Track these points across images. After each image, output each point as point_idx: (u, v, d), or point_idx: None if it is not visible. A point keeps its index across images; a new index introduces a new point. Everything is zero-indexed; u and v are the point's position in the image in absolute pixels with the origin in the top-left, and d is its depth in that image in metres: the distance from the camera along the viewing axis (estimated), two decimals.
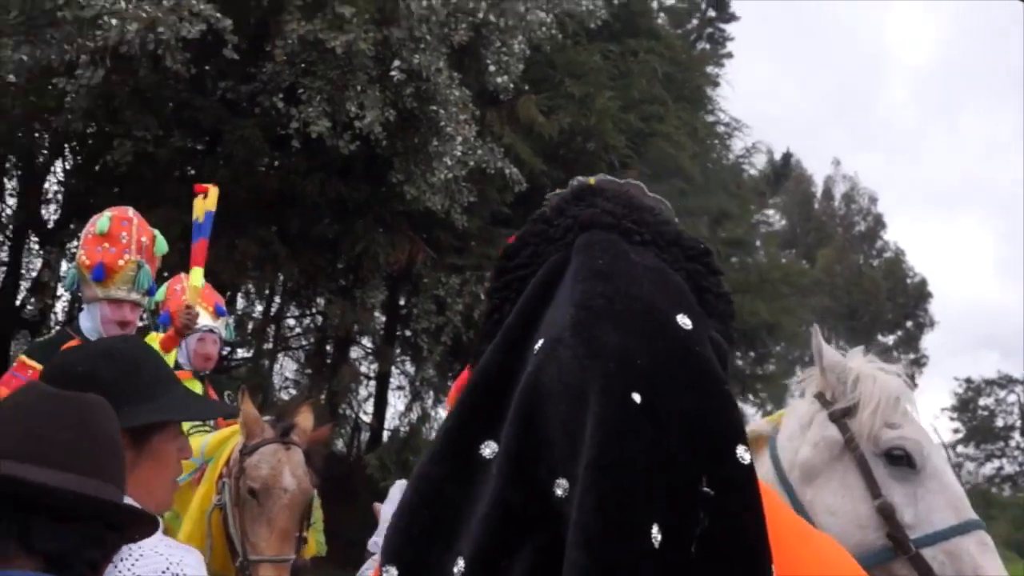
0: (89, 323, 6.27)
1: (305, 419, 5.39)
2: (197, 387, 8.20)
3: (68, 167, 18.10)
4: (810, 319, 22.00)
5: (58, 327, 8.83)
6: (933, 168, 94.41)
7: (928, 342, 63.02)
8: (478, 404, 1.42)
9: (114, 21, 12.06)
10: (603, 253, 1.44)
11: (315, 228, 15.74)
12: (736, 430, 1.33)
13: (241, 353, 19.24)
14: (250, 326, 18.23)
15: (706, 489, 1.27)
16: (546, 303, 1.44)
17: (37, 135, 15.05)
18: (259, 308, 20.01)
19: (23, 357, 6.22)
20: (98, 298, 6.18)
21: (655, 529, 1.23)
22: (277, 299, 20.83)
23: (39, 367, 6.00)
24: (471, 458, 1.38)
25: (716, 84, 26.98)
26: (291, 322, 21.66)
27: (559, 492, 1.28)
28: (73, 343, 6.12)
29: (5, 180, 18.51)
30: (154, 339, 7.92)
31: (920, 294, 49.19)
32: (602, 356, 1.31)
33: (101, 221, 6.27)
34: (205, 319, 8.07)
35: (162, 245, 6.64)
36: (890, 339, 50.38)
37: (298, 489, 5.10)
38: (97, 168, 14.63)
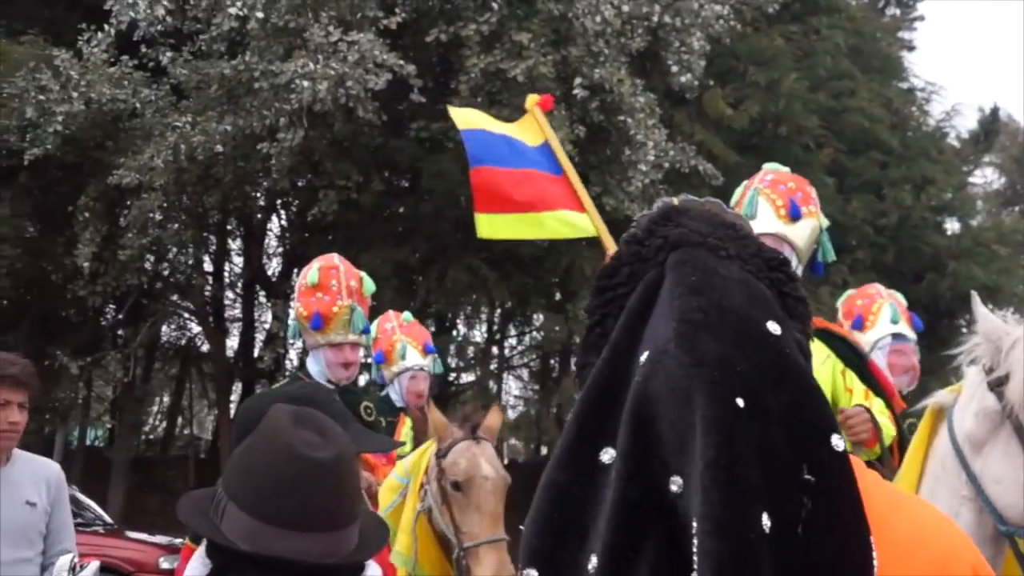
0: (316, 367, 6.72)
1: (492, 419, 5.69)
2: (407, 423, 8.52)
3: (283, 223, 19.02)
4: None
5: (288, 373, 9.37)
6: None
7: None
8: (594, 413, 1.56)
9: (306, 83, 12.70)
10: (695, 270, 1.58)
11: (521, 248, 16.09)
12: (828, 421, 1.48)
13: (465, 378, 19.76)
14: (471, 350, 18.71)
15: (807, 476, 1.42)
16: (645, 318, 1.57)
17: (249, 198, 15.87)
18: (478, 333, 20.51)
19: None
20: (319, 344, 6.61)
21: (765, 516, 1.37)
22: (496, 322, 21.29)
23: None
24: (592, 464, 1.52)
25: (911, 48, 26.29)
26: (511, 342, 22.10)
27: (674, 488, 1.42)
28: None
29: (230, 241, 19.58)
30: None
31: None
32: (705, 364, 1.44)
33: (311, 273, 6.71)
34: (415, 357, 8.37)
35: (369, 286, 7.01)
36: None
37: (497, 475, 5.29)
38: (308, 220, 15.33)
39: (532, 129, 6.50)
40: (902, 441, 4.96)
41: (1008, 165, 44.62)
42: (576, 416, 1.56)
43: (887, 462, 4.96)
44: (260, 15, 13.50)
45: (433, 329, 18.45)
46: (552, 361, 20.50)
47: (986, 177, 41.64)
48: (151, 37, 14.45)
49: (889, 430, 4.91)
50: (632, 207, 14.68)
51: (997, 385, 3.38)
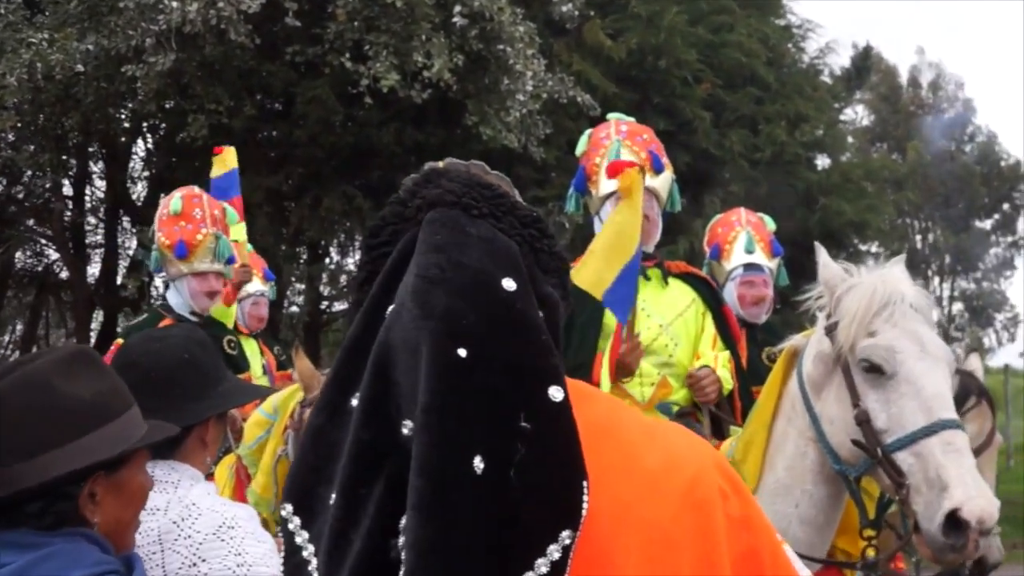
0: (178, 299, 6.61)
1: None
2: (253, 345, 8.52)
3: (149, 147, 18.39)
4: (895, 214, 21.70)
5: (147, 308, 9.14)
6: (1018, 48, 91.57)
7: None
8: (348, 361, 1.69)
9: (175, 3, 12.21)
10: (441, 228, 1.69)
11: (395, 177, 15.84)
12: (549, 372, 1.59)
13: (338, 306, 19.51)
14: (343, 279, 18.44)
15: (524, 424, 1.52)
16: (401, 275, 1.67)
17: (112, 120, 15.25)
18: (351, 261, 20.19)
19: (120, 340, 6.52)
20: (183, 274, 6.49)
21: (478, 459, 1.48)
22: None
23: None
24: (344, 409, 1.64)
25: None
26: None
27: (405, 431, 1.54)
28: (167, 322, 6.42)
29: (92, 164, 18.86)
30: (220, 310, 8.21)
31: (1015, 176, 47.89)
32: (433, 317, 1.56)
33: (173, 202, 6.60)
34: (256, 284, 8.51)
35: (232, 215, 6.91)
36: (987, 224, 49.30)
37: None
38: (177, 144, 14.82)
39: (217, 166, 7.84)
40: (742, 388, 5.15)
41: (878, 103, 45.67)
42: (335, 365, 1.73)
43: (725, 410, 5.16)
44: None
45: (306, 257, 18.19)
46: None
47: (856, 114, 42.57)
48: None
49: (728, 383, 5.09)
50: (510, 137, 14.56)
51: (830, 330, 3.56)
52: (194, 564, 2.73)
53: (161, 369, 2.98)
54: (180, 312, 6.57)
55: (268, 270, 8.90)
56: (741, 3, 20.17)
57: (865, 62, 28.25)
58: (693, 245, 16.05)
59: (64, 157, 16.80)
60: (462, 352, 1.53)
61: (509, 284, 1.63)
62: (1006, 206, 48.83)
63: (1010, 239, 49.96)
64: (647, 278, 5.11)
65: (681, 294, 5.23)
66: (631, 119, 5.49)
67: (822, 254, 3.74)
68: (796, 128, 19.58)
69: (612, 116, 5.54)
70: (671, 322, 5.10)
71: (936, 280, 49.66)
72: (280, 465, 5.50)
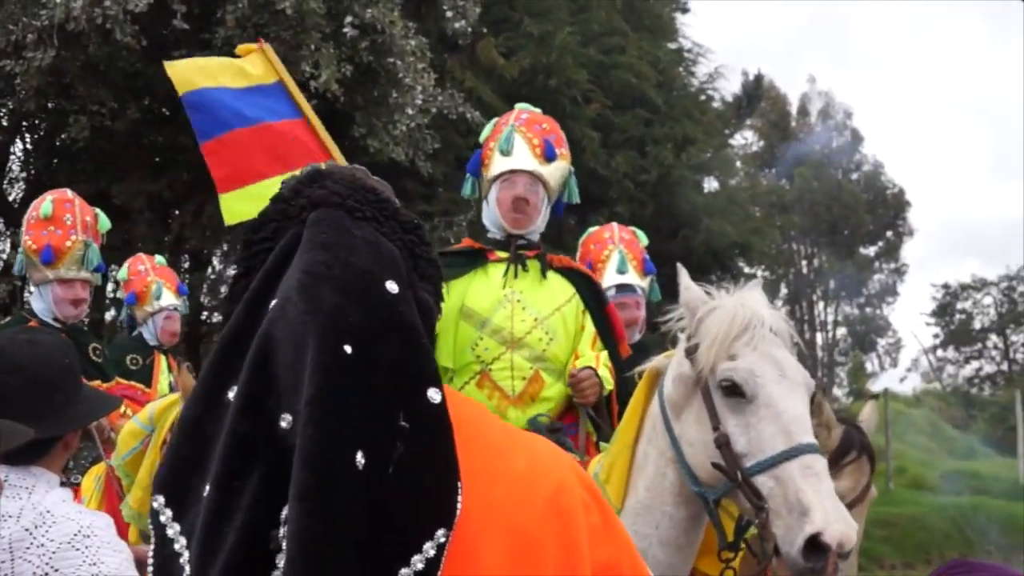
0: (41, 304, 6.49)
1: None
2: (163, 362, 8.41)
3: (28, 147, 17.95)
4: (780, 238, 22.12)
5: (14, 312, 8.93)
6: (906, 80, 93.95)
7: (908, 251, 63.37)
8: (226, 354, 1.69)
9: None
10: (328, 228, 1.72)
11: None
12: (427, 375, 1.64)
13: (218, 317, 19.25)
14: (222, 289, 18.18)
15: (403, 423, 1.57)
16: (283, 271, 1.70)
17: None
18: (232, 270, 19.93)
19: None
20: (48, 280, 6.36)
21: (360, 455, 1.51)
22: None
23: None
24: (219, 401, 1.65)
25: (685, 11, 26.85)
26: None
27: (283, 424, 1.54)
28: (31, 325, 6.29)
29: None
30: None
31: (899, 204, 49.21)
32: (321, 312, 1.58)
33: (44, 205, 6.46)
34: (169, 298, 8.39)
35: (104, 222, 6.81)
36: (871, 250, 50.51)
37: None
38: (56, 145, 14.51)
39: (262, 66, 5.98)
40: (619, 392, 5.14)
41: (767, 130, 46.52)
42: (211, 357, 1.73)
43: (603, 412, 5.09)
44: None
45: (187, 265, 17.92)
46: None
47: (746, 139, 43.29)
48: None
49: (608, 383, 5.02)
50: (396, 150, 14.53)
51: (691, 353, 3.56)
52: (47, 574, 2.68)
53: (45, 373, 2.95)
54: (43, 317, 6.46)
55: (182, 284, 8.74)
56: (633, 26, 20.45)
57: (756, 90, 28.79)
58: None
59: None
60: (348, 349, 1.56)
61: (392, 287, 1.68)
62: (890, 233, 50.12)
63: (893, 266, 51.30)
64: (525, 268, 5.07)
65: (560, 289, 5.14)
66: (537, 110, 5.45)
67: (683, 276, 3.76)
68: (683, 151, 19.89)
69: (519, 106, 5.49)
70: (548, 316, 5.02)
71: (821, 305, 50.77)
72: None
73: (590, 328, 5.15)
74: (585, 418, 5.00)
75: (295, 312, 1.59)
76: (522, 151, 5.06)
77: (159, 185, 15.40)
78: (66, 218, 6.44)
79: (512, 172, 5.03)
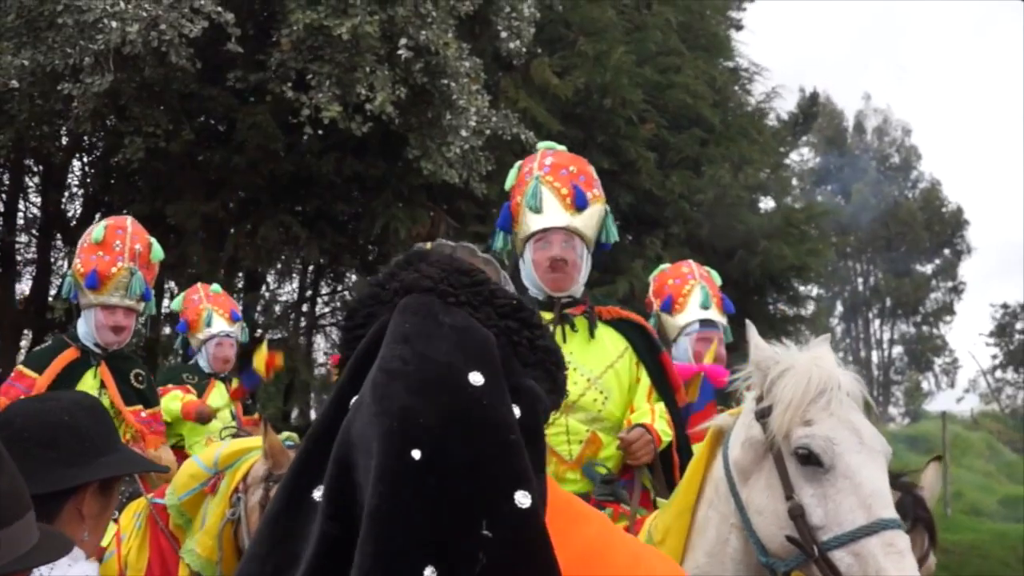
0: (85, 328, 6.45)
1: None
2: (221, 389, 8.40)
3: (85, 167, 18.10)
4: (835, 258, 21.83)
5: (53, 335, 8.90)
6: (965, 97, 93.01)
7: (966, 269, 62.50)
8: (312, 452, 1.62)
9: (114, 24, 12.00)
10: (412, 316, 1.63)
11: (334, 207, 15.72)
12: (515, 476, 1.49)
13: (272, 336, 19.30)
14: (276, 309, 18.27)
15: (485, 532, 1.43)
16: (370, 363, 1.60)
17: (47, 138, 14.98)
18: (287, 289, 20.01)
19: (20, 367, 6.41)
20: (91, 304, 6.32)
21: (429, 570, 1.40)
22: (309, 279, 20.85)
23: (36, 376, 6.15)
24: (303, 498, 1.59)
25: (739, 28, 26.67)
26: (322, 302, 21.67)
27: (361, 531, 1.44)
28: (69, 351, 6.26)
29: (27, 179, 18.54)
30: (175, 398, 8.09)
31: (957, 222, 48.61)
32: (387, 414, 1.48)
33: (96, 230, 6.46)
34: (221, 324, 8.40)
35: (158, 252, 6.78)
36: (928, 268, 49.94)
37: None
38: (113, 165, 14.60)
39: None
40: (679, 441, 4.96)
41: (824, 147, 46.15)
42: (299, 451, 1.66)
43: (658, 469, 4.87)
44: None
45: (242, 285, 17.96)
46: None
47: (802, 156, 42.97)
48: None
49: (667, 436, 4.84)
50: (451, 172, 14.48)
51: (762, 416, 3.40)
52: None
53: (37, 430, 2.80)
54: (84, 342, 6.42)
55: (235, 311, 8.69)
56: (689, 45, 20.28)
57: (811, 108, 28.51)
58: (633, 286, 16.06)
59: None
60: (416, 454, 1.45)
61: (476, 378, 1.55)
62: (947, 251, 49.53)
63: (951, 284, 50.66)
64: (573, 328, 4.86)
65: (612, 343, 4.95)
66: (561, 148, 5.20)
67: (752, 333, 3.55)
68: (740, 171, 19.66)
69: (542, 146, 5.26)
70: (600, 375, 4.84)
71: (877, 323, 50.24)
72: (226, 531, 5.31)
73: (645, 380, 4.97)
74: (642, 471, 4.84)
75: (366, 413, 1.51)
76: (552, 206, 4.83)
77: (213, 205, 15.47)
78: (116, 244, 6.41)
79: (545, 231, 4.82)
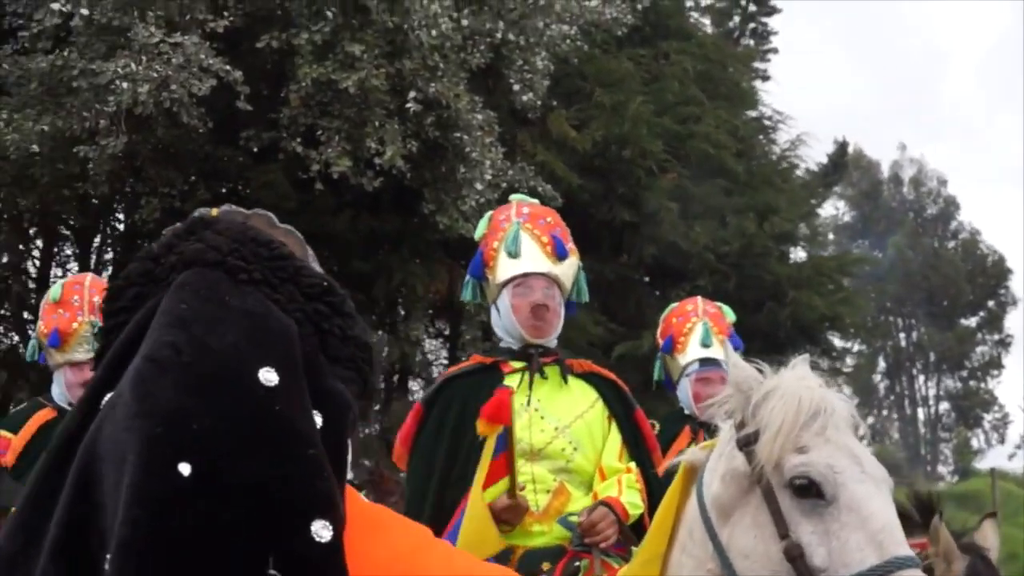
0: (58, 389, 6.35)
1: None
2: None
3: (107, 230, 18.27)
4: (872, 310, 21.54)
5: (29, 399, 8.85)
6: (1002, 147, 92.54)
7: (1013, 321, 61.55)
8: (52, 470, 1.29)
9: (125, 85, 12.14)
10: (192, 295, 1.33)
11: (350, 265, 15.71)
12: (314, 501, 1.19)
13: None
14: None
15: (272, 572, 1.14)
16: (132, 355, 1.31)
17: (66, 201, 15.17)
18: None
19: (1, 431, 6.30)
20: (59, 364, 6.23)
21: None
22: None
23: (11, 436, 6.09)
24: (42, 532, 1.23)
25: (765, 78, 26.66)
26: None
27: (109, 568, 1.12)
28: (44, 411, 6.19)
29: (60, 245, 18.73)
30: None
31: (1000, 272, 47.91)
32: (151, 417, 1.18)
33: (54, 290, 6.40)
34: None
35: None
36: (972, 321, 49.17)
37: None
38: (129, 227, 14.72)
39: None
40: (654, 508, 4.72)
41: (859, 199, 45.84)
42: (34, 474, 1.31)
43: (630, 539, 4.63)
44: (85, 11, 12.90)
45: None
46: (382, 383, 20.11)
47: (837, 210, 42.70)
48: None
49: (636, 508, 4.59)
50: (467, 226, 14.40)
51: (746, 444, 2.98)
52: None
53: None
54: (59, 403, 6.35)
55: None
56: (710, 95, 20.24)
57: (841, 158, 28.36)
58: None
59: (32, 235, 16.67)
60: (185, 469, 1.15)
61: (269, 377, 1.26)
62: (992, 303, 48.79)
63: (997, 337, 49.84)
64: (544, 376, 4.74)
65: (582, 394, 4.81)
66: (535, 201, 5.20)
67: (730, 351, 3.29)
68: (765, 220, 19.51)
69: (514, 198, 5.23)
70: (569, 424, 4.68)
71: (921, 379, 49.50)
72: None
73: (616, 436, 4.80)
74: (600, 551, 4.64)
75: (123, 414, 1.21)
76: (532, 251, 4.75)
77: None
78: (74, 300, 6.30)
79: (525, 276, 4.75)
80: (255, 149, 14.48)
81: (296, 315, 1.38)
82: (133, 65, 12.38)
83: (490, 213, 5.18)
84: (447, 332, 18.75)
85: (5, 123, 13.19)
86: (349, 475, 1.32)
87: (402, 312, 16.72)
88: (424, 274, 15.46)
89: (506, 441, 4.38)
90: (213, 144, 14.39)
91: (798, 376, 3.02)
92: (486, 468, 4.35)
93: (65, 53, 12.99)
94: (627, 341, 17.18)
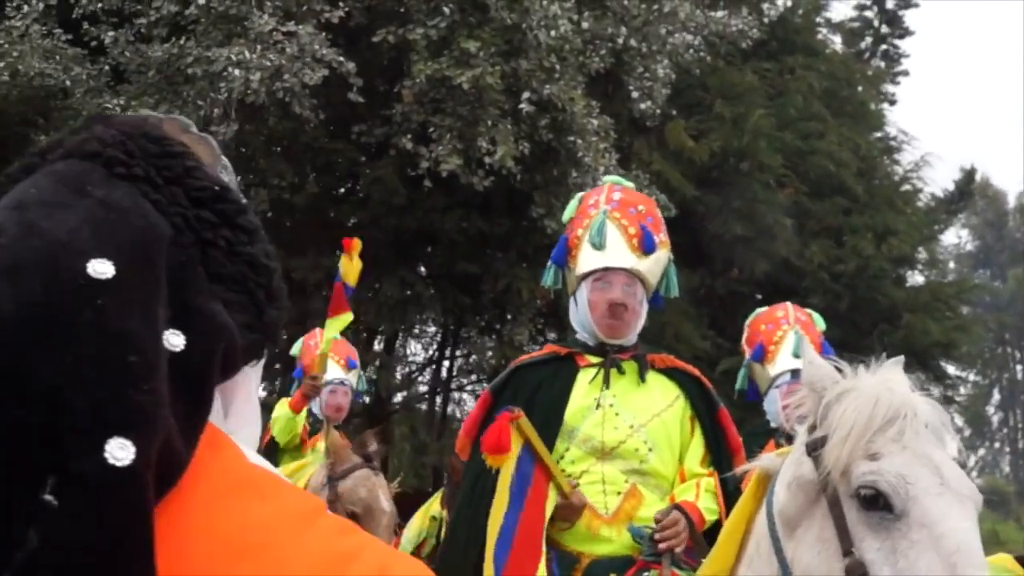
0: None
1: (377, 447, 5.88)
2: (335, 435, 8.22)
3: None
4: (988, 340, 20.85)
5: None
6: None
7: None
8: None
9: (237, 72, 12.10)
10: (49, 181, 1.15)
11: (457, 266, 15.53)
12: (117, 414, 0.97)
13: (399, 396, 19.17)
14: (399, 369, 18.12)
15: (48, 496, 0.93)
16: None
17: None
18: (411, 350, 19.88)
19: None
20: None
21: None
22: (437, 340, 20.72)
23: None
24: None
25: (892, 102, 26.01)
26: (458, 363, 21.49)
27: None
28: None
29: None
30: (283, 403, 7.97)
31: None
32: None
33: None
34: (336, 372, 8.16)
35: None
36: None
37: (392, 511, 5.55)
38: None
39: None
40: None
41: (983, 228, 44.67)
42: None
43: (703, 546, 4.24)
44: (202, 0, 12.91)
45: (380, 346, 17.86)
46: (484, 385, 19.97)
47: (960, 238, 41.64)
48: (90, 14, 13.82)
49: (712, 514, 4.24)
50: None
51: (814, 448, 2.63)
52: None
53: None
54: None
55: (352, 359, 8.42)
56: (834, 112, 19.76)
57: (968, 185, 27.55)
58: None
59: None
60: None
61: (102, 268, 1.05)
62: None
63: None
64: (621, 372, 4.40)
65: (662, 392, 4.46)
66: (630, 185, 4.78)
67: (807, 348, 2.91)
68: (884, 242, 18.95)
69: (607, 179, 4.84)
70: (645, 423, 4.33)
71: None
72: None
73: (699, 441, 4.44)
74: (668, 556, 4.30)
75: None
76: (617, 244, 4.38)
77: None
78: None
79: (606, 270, 4.38)
80: (368, 144, 14.37)
81: (175, 219, 1.16)
82: (247, 53, 12.35)
83: (580, 195, 4.76)
84: (552, 338, 18.53)
85: (122, 109, 13.25)
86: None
87: (508, 316, 16.47)
88: (530, 278, 15.17)
89: (532, 458, 4.08)
90: (326, 137, 14.33)
91: (882, 378, 2.65)
92: (504, 501, 4.05)
93: (182, 41, 13.02)
94: (733, 356, 16.76)
